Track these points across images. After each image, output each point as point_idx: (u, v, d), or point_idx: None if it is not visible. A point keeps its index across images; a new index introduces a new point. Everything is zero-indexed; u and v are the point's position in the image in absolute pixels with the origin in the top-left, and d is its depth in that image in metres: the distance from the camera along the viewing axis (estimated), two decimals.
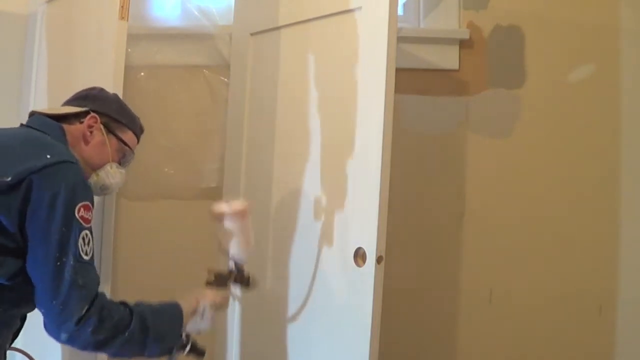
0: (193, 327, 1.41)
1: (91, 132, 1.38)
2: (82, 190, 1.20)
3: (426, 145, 2.17)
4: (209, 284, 1.49)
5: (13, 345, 1.36)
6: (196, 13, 2.16)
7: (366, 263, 1.48)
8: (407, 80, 2.07)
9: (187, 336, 1.39)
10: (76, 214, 1.17)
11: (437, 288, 2.18)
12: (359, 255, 1.50)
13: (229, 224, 1.51)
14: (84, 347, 1.19)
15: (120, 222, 2.05)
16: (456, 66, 2.17)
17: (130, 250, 2.12)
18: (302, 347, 1.72)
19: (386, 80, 1.47)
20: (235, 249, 1.52)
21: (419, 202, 2.16)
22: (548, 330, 2.15)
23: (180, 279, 1.96)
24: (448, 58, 2.17)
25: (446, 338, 2.18)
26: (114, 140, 1.43)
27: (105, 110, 1.42)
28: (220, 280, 1.51)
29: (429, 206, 2.17)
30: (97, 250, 1.79)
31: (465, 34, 2.15)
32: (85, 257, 1.17)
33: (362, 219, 1.51)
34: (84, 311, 1.15)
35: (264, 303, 1.88)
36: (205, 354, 1.46)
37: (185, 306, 1.38)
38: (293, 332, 1.74)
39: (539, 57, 2.16)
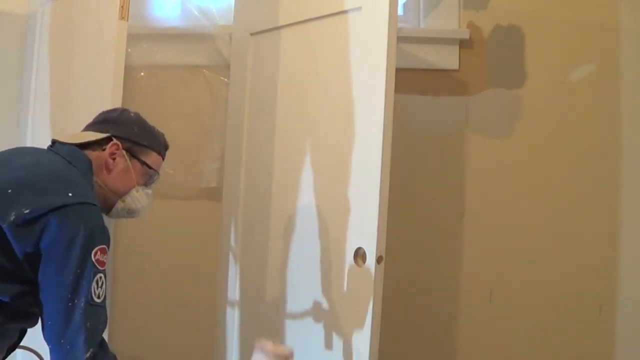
0: None
1: (114, 159, 1.35)
2: (100, 234, 1.19)
3: (426, 145, 2.17)
4: None
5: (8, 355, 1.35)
6: (196, 13, 2.16)
7: (366, 263, 1.48)
8: (407, 80, 2.07)
9: None
10: (92, 258, 1.16)
11: (437, 288, 2.18)
12: (359, 255, 1.50)
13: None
14: None
15: (120, 222, 2.05)
16: (456, 66, 2.17)
17: (130, 250, 2.12)
18: (302, 347, 1.71)
19: (386, 80, 1.47)
20: None
21: (419, 202, 2.16)
22: (548, 330, 2.15)
23: (180, 279, 1.96)
24: (448, 58, 2.17)
25: (446, 338, 2.18)
26: (137, 165, 1.38)
27: (127, 134, 1.37)
28: None
29: (429, 206, 2.17)
30: None
31: (465, 34, 2.15)
32: (97, 300, 1.17)
33: (362, 219, 1.51)
34: (89, 354, 1.15)
35: (264, 303, 1.88)
36: None
37: None
38: (293, 332, 1.74)
39: (539, 57, 2.16)
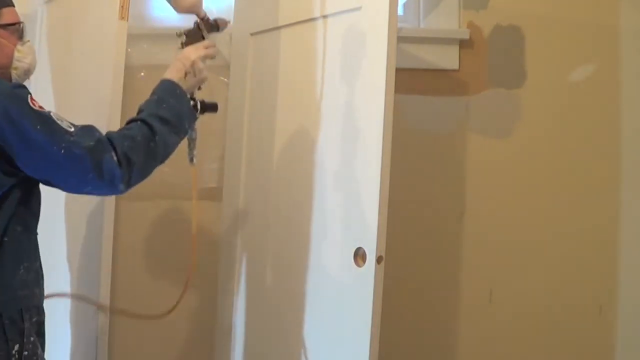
0: (193, 85, 1.46)
1: None
2: (20, 90, 1.20)
3: (426, 145, 2.17)
4: (183, 44, 1.52)
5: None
6: None
7: (366, 263, 1.48)
8: (407, 80, 2.07)
9: (193, 99, 1.43)
10: (35, 109, 1.18)
11: (437, 288, 2.18)
12: (359, 255, 1.50)
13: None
14: (142, 178, 1.26)
15: (120, 223, 2.05)
16: (456, 66, 2.17)
17: (130, 250, 2.12)
18: (302, 347, 1.72)
19: (386, 80, 1.47)
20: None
21: (419, 202, 2.16)
22: (548, 330, 2.15)
23: (180, 279, 1.95)
24: (448, 58, 2.17)
25: (446, 338, 2.18)
26: (1, 31, 1.32)
27: None
28: (193, 35, 1.53)
29: (429, 206, 2.17)
30: (97, 250, 1.80)
31: (465, 34, 2.15)
32: (72, 129, 1.19)
33: (362, 219, 1.51)
34: (116, 159, 1.19)
35: (264, 303, 1.88)
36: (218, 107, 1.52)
37: (176, 75, 1.41)
38: (293, 332, 1.74)
39: (539, 57, 2.16)
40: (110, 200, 1.75)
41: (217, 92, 2.13)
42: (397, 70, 1.50)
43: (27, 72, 1.39)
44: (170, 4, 1.55)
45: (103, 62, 1.73)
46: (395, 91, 1.49)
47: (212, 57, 1.54)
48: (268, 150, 1.89)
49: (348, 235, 1.55)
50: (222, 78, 2.14)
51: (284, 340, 1.78)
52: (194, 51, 1.49)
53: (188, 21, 2.21)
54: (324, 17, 1.69)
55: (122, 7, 1.75)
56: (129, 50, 2.00)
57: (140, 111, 1.33)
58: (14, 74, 1.35)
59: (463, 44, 2.17)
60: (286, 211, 1.80)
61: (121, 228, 2.09)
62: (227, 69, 2.12)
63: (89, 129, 1.23)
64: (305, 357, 1.70)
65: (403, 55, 2.09)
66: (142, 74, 2.12)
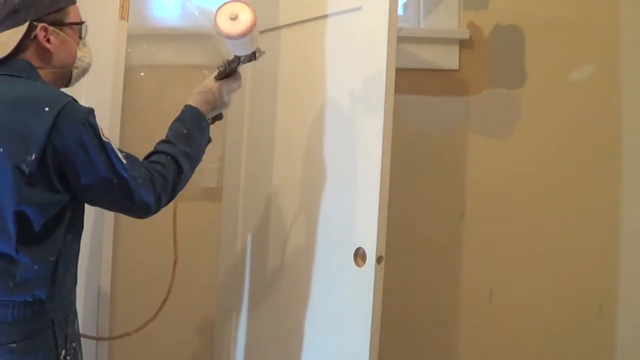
0: (214, 112, 1.53)
1: (48, 41, 1.28)
2: (92, 118, 1.23)
3: (426, 145, 2.17)
4: (219, 75, 1.51)
5: None
6: (196, 13, 2.16)
7: (366, 263, 1.48)
8: (407, 80, 2.07)
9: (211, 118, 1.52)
10: (103, 140, 1.23)
11: (437, 288, 2.18)
12: (359, 255, 1.50)
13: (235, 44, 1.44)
14: (169, 202, 1.38)
15: (120, 223, 2.05)
16: (456, 66, 2.17)
17: (131, 250, 2.11)
18: (302, 346, 1.72)
19: (386, 80, 1.47)
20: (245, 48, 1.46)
21: (419, 202, 2.16)
22: (548, 330, 2.15)
23: (180, 279, 1.95)
24: (448, 58, 2.17)
25: (446, 338, 2.18)
26: (67, 29, 1.32)
27: (42, 11, 1.28)
28: (231, 68, 1.50)
29: (429, 206, 2.17)
30: (98, 250, 1.80)
31: (465, 34, 2.15)
32: (125, 161, 1.26)
33: (362, 219, 1.51)
34: (154, 198, 1.30)
35: (265, 303, 1.88)
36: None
37: (204, 107, 1.48)
38: (293, 332, 1.74)
39: (539, 57, 2.16)
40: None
41: None
42: (397, 70, 1.50)
43: (85, 72, 1.41)
44: (231, 49, 1.48)
45: (103, 62, 1.73)
46: (395, 91, 1.49)
47: (237, 89, 1.56)
48: (268, 150, 1.89)
49: (348, 235, 1.55)
50: None
51: (284, 340, 1.78)
52: (227, 89, 1.52)
53: (187, 20, 2.21)
54: (324, 17, 1.69)
55: (122, 7, 1.75)
56: (129, 50, 2.00)
57: (168, 141, 1.40)
58: (75, 72, 1.37)
59: (463, 44, 2.17)
60: (286, 211, 1.80)
61: (121, 229, 2.08)
62: None
63: (136, 162, 1.30)
64: (306, 357, 1.70)
65: (403, 55, 2.09)
66: (142, 74, 2.11)
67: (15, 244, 1.18)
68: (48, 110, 1.16)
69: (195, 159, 1.43)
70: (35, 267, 1.20)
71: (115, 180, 1.23)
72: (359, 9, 1.57)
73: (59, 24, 1.31)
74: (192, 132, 1.43)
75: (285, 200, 1.81)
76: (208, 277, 2.13)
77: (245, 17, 1.34)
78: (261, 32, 1.93)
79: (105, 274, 1.82)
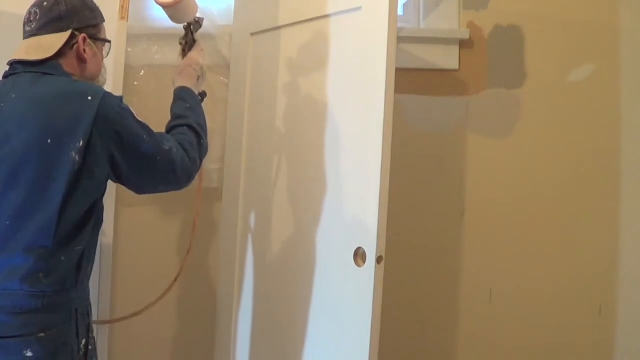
0: (201, 86, 1.71)
1: (84, 51, 1.37)
2: (123, 103, 1.32)
3: (426, 145, 2.17)
4: (185, 51, 1.73)
5: None
6: None
7: (366, 263, 1.48)
8: (407, 80, 2.07)
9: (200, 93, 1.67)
10: (140, 121, 1.33)
11: (437, 288, 2.18)
12: (359, 255, 1.50)
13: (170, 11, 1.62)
14: (199, 167, 1.50)
15: (119, 223, 2.05)
16: (456, 66, 2.17)
17: (131, 251, 2.11)
18: (302, 347, 1.72)
19: (386, 80, 1.47)
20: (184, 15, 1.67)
21: (419, 202, 2.16)
22: (548, 330, 2.15)
23: (180, 279, 1.96)
24: (448, 58, 2.17)
25: (446, 338, 2.18)
26: (99, 44, 1.44)
27: (84, 22, 1.38)
28: (189, 40, 1.73)
29: (429, 206, 2.17)
30: (98, 251, 1.80)
31: (465, 34, 2.15)
32: (159, 137, 1.37)
33: (362, 219, 1.51)
34: (198, 163, 1.45)
35: (265, 303, 1.88)
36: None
37: (191, 82, 1.64)
38: (293, 332, 1.74)
39: (539, 57, 2.16)
40: (110, 201, 1.76)
41: (217, 92, 2.13)
42: (397, 70, 1.50)
43: (102, 87, 1.48)
44: (170, 17, 1.67)
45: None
46: (395, 91, 1.49)
47: (203, 52, 1.76)
48: (268, 150, 1.89)
49: (348, 235, 1.55)
50: (221, 78, 2.14)
51: (284, 340, 1.78)
52: (199, 55, 1.69)
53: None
54: (324, 17, 1.69)
55: (122, 7, 1.76)
56: (129, 50, 2.00)
57: (178, 116, 1.51)
58: (95, 85, 1.44)
59: (463, 44, 2.17)
60: (286, 211, 1.80)
61: (121, 229, 2.08)
62: (227, 69, 2.12)
63: (165, 136, 1.42)
64: (306, 356, 1.70)
65: (403, 55, 2.09)
66: (142, 73, 2.11)
67: (53, 235, 1.22)
68: (91, 99, 1.25)
69: (205, 128, 1.56)
70: (63, 257, 1.24)
71: (158, 157, 1.33)
72: (359, 9, 1.57)
73: (94, 37, 1.41)
74: (193, 105, 1.56)
75: (285, 200, 1.81)
76: (208, 277, 2.13)
77: None
78: (261, 32, 1.94)
79: (106, 268, 1.82)
